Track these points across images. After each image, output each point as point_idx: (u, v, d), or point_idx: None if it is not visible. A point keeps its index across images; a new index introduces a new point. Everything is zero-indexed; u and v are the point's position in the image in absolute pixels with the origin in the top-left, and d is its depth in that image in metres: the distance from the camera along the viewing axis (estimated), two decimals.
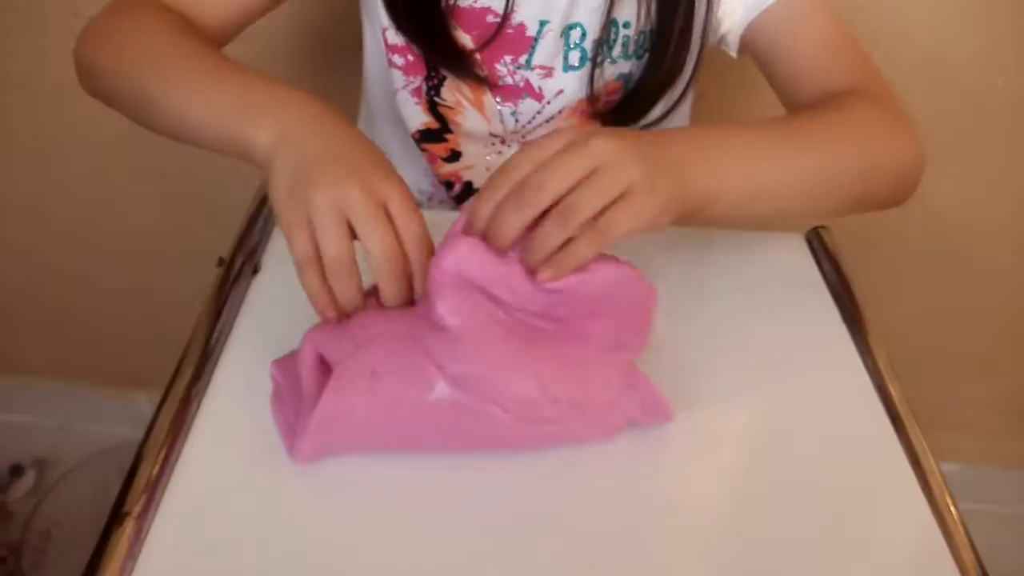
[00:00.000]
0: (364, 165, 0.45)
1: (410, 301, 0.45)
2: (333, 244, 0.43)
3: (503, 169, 0.43)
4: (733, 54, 0.68)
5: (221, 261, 0.56)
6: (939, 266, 1.10)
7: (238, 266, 0.55)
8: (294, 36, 0.94)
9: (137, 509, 0.39)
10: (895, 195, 0.59)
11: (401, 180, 0.46)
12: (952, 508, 0.44)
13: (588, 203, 0.42)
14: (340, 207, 0.43)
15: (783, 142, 0.52)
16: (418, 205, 0.45)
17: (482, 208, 0.43)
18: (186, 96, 0.51)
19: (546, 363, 0.43)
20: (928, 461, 0.46)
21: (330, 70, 0.95)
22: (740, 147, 0.50)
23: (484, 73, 0.66)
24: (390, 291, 0.44)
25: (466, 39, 0.64)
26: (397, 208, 0.44)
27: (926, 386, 1.20)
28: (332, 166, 0.44)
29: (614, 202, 0.42)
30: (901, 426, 0.48)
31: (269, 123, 0.47)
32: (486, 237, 0.43)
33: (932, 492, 0.45)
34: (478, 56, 0.65)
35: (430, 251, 0.45)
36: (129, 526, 0.38)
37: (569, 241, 0.42)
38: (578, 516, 0.42)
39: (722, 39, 0.67)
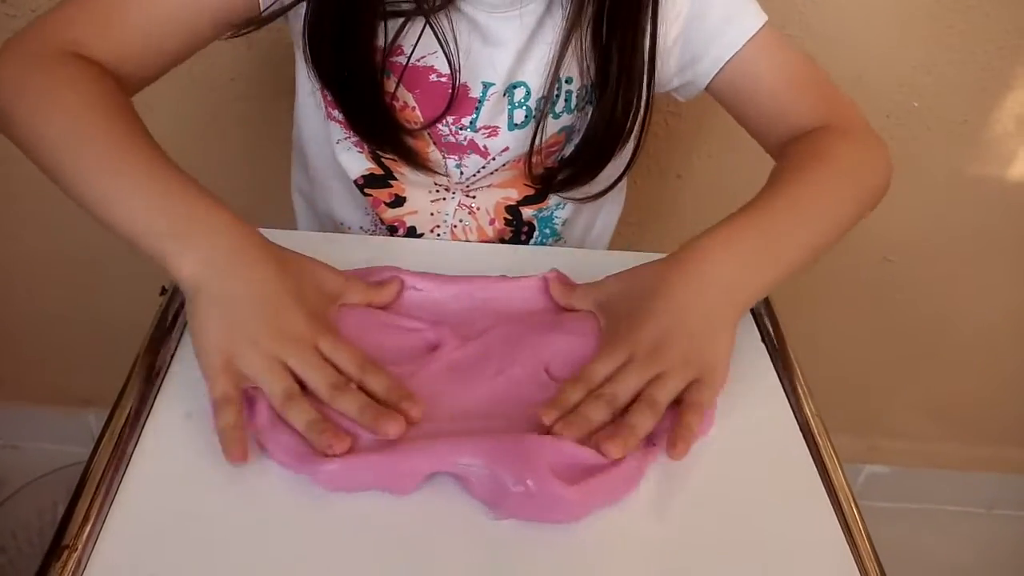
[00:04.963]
0: (287, 311, 0.47)
1: None
2: (278, 384, 0.45)
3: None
4: (682, 100, 0.69)
5: (163, 290, 0.57)
6: (865, 279, 1.14)
7: (181, 296, 0.56)
8: (229, 70, 0.94)
9: (77, 542, 0.39)
10: (873, 208, 0.63)
11: (319, 313, 0.49)
12: (859, 519, 0.47)
13: (667, 394, 0.48)
14: (274, 358, 0.46)
15: (792, 219, 0.56)
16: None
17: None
18: (109, 198, 0.50)
19: None
20: (838, 474, 0.49)
21: (260, 115, 0.96)
22: (759, 245, 0.53)
23: (427, 134, 0.65)
24: (350, 408, 0.45)
25: (408, 96, 0.64)
26: (328, 348, 0.47)
27: (860, 395, 1.26)
28: (257, 319, 0.46)
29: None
30: (813, 441, 0.51)
31: (192, 253, 0.47)
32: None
33: (839, 501, 0.48)
34: (420, 116, 0.64)
35: (372, 367, 0.47)
36: (68, 559, 0.38)
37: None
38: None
39: (678, 89, 0.67)
